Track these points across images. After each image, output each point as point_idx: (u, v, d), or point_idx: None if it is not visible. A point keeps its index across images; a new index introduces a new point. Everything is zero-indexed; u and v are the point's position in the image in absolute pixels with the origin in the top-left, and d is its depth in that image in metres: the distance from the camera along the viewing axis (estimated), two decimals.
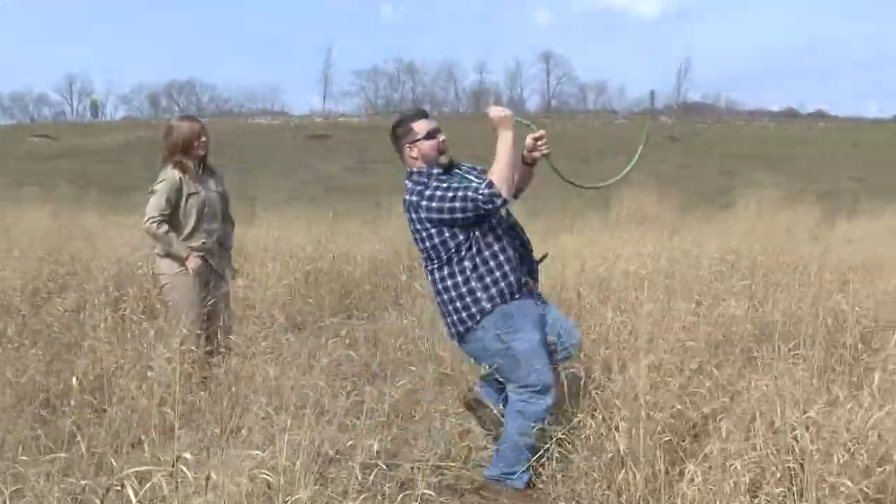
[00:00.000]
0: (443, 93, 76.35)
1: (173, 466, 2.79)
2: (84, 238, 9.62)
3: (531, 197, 4.81)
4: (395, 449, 4.02)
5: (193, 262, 4.94)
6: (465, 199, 3.72)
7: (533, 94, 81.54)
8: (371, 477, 3.34)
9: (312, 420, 3.47)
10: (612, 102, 77.24)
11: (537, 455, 3.75)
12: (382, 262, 8.99)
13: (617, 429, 3.49)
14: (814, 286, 6.11)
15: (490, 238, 3.86)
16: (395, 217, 12.59)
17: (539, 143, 3.93)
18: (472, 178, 3.90)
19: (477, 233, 3.83)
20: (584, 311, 5.80)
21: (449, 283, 3.89)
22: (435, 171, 3.92)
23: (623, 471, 3.40)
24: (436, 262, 3.92)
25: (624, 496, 3.36)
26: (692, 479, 3.06)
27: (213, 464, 2.98)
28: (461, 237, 3.83)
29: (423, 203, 3.82)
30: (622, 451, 3.41)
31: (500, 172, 3.70)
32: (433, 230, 3.85)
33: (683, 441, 3.58)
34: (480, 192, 3.69)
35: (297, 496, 2.94)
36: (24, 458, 3.29)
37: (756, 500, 3.05)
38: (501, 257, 3.87)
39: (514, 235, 3.98)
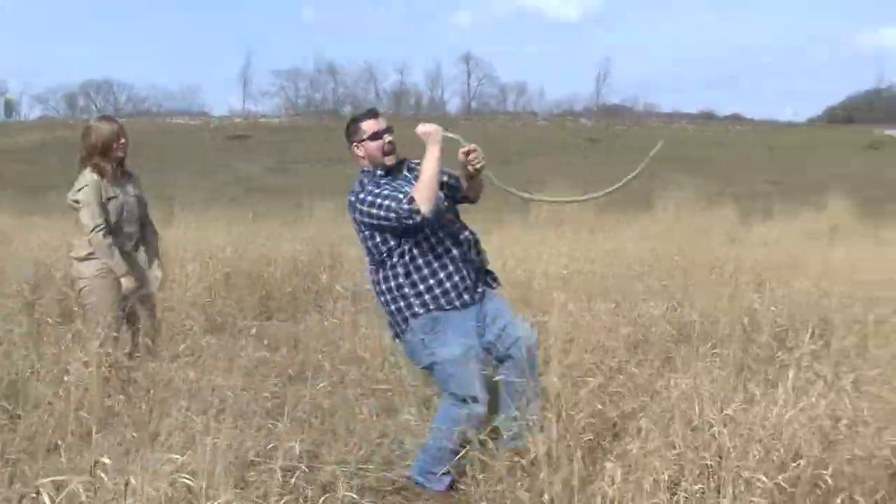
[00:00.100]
0: (364, 93, 76.39)
1: (91, 472, 2.74)
2: None
3: None
4: (317, 451, 3.98)
5: (129, 282, 4.80)
6: (388, 208, 3.69)
7: (454, 96, 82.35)
8: (293, 480, 3.31)
9: (233, 423, 3.41)
10: (533, 104, 78.39)
11: (458, 457, 3.73)
12: (304, 263, 8.89)
13: (541, 429, 3.49)
14: (730, 286, 6.24)
15: (425, 246, 3.81)
16: (316, 218, 12.50)
17: (470, 156, 3.84)
18: (409, 188, 3.79)
19: (411, 239, 3.79)
20: None
21: (383, 286, 3.88)
22: (378, 172, 3.88)
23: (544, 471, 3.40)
24: (375, 262, 3.90)
25: (546, 496, 3.36)
26: (612, 478, 3.07)
27: (132, 469, 2.89)
28: (392, 243, 3.80)
29: (357, 205, 3.79)
30: (540, 450, 3.41)
31: (422, 189, 3.66)
32: (367, 232, 3.84)
33: (604, 440, 3.61)
34: (402, 206, 3.65)
35: (218, 500, 2.89)
36: None
37: (675, 498, 3.08)
38: (436, 264, 3.82)
39: (457, 242, 3.90)
